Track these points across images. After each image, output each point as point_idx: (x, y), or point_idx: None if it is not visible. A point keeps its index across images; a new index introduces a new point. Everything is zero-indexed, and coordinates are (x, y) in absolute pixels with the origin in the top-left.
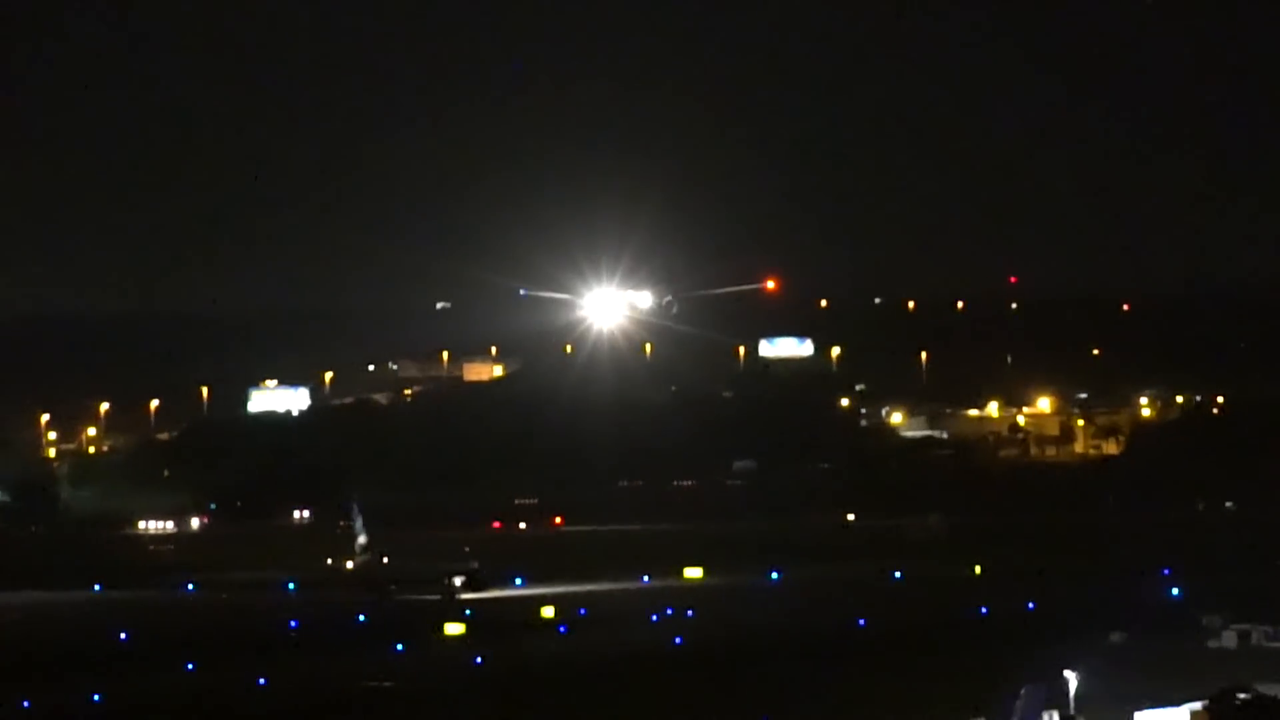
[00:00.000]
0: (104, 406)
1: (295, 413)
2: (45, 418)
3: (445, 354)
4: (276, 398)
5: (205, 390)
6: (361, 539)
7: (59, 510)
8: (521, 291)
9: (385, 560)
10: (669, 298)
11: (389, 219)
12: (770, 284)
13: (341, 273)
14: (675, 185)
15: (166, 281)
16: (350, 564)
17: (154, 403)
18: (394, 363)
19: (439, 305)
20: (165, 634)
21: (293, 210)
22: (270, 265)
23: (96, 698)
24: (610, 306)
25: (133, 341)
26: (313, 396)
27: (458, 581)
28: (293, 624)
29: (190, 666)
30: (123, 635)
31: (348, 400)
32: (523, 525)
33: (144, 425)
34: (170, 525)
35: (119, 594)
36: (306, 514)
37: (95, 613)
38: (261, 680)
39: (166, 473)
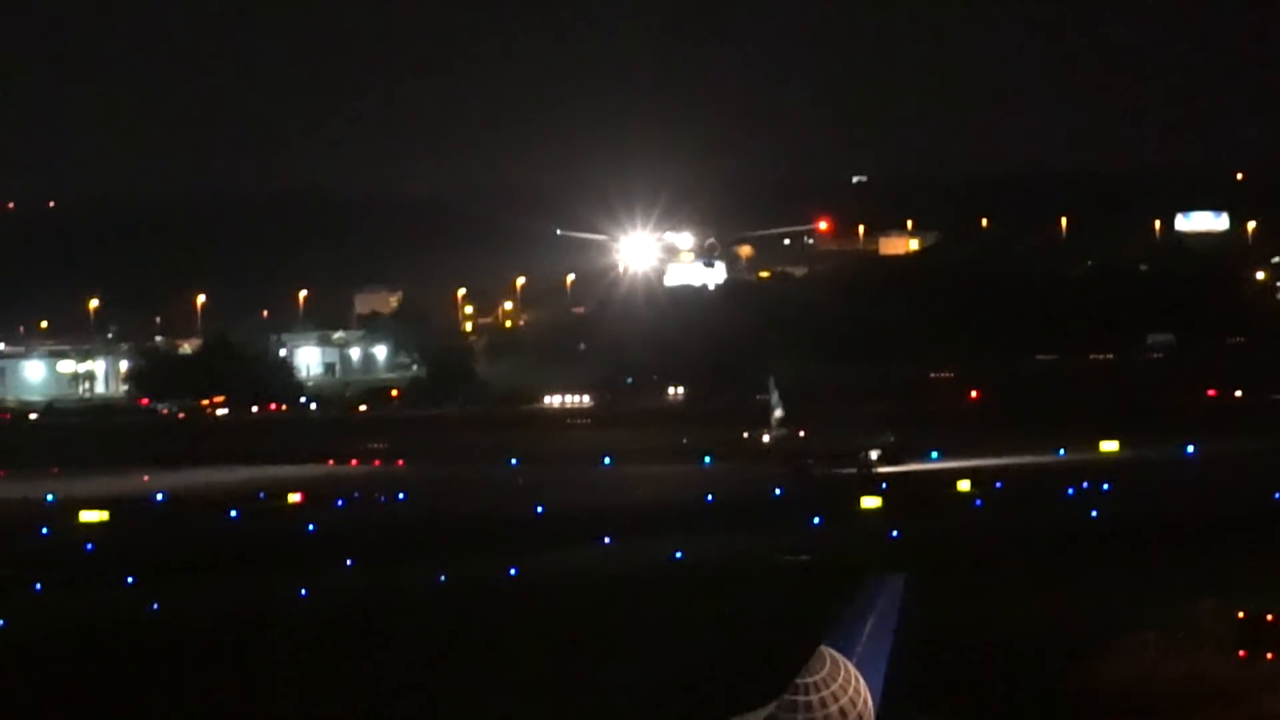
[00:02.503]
0: (520, 281)
1: (711, 286)
2: (462, 292)
3: (861, 227)
4: (692, 271)
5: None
6: (778, 413)
7: (476, 385)
8: (557, 232)
9: (801, 434)
10: (711, 239)
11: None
12: (823, 225)
13: (757, 145)
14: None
15: (582, 154)
16: (767, 438)
17: (569, 277)
18: (809, 236)
19: (855, 179)
20: (580, 508)
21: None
22: (682, 139)
23: (513, 571)
24: (646, 249)
25: (549, 215)
26: (729, 270)
27: (874, 455)
28: (709, 498)
29: (606, 540)
30: (538, 509)
31: (763, 274)
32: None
33: (560, 299)
34: (585, 399)
35: (535, 468)
36: (680, 391)
37: (511, 488)
38: (678, 554)
39: (582, 347)
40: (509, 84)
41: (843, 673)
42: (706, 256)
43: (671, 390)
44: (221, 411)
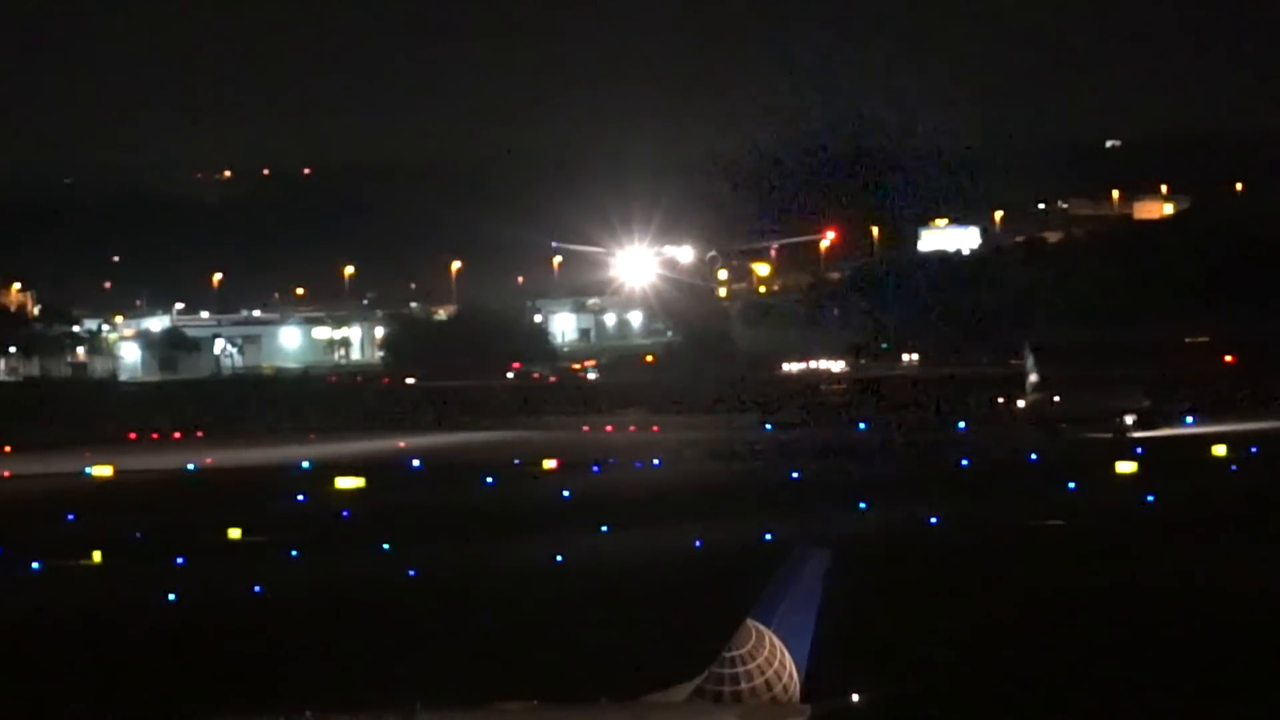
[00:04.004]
0: (775, 245)
1: (966, 251)
2: (714, 254)
3: (1116, 192)
4: (947, 236)
5: (875, 229)
6: (1033, 377)
7: (730, 350)
8: (553, 244)
9: (1056, 399)
10: (713, 253)
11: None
12: (830, 234)
13: (1011, 111)
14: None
15: (835, 118)
16: (1022, 402)
17: (825, 241)
18: (1064, 201)
19: (1109, 143)
20: (834, 473)
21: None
22: (927, 101)
23: (768, 536)
24: (643, 264)
25: (804, 178)
26: (983, 235)
27: (1129, 419)
28: (963, 462)
29: (862, 505)
30: (793, 474)
31: (1018, 239)
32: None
33: (815, 264)
34: (841, 365)
35: (787, 433)
36: (914, 357)
37: (767, 452)
38: (933, 519)
39: (837, 311)
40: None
41: (768, 646)
42: (708, 269)
43: (907, 357)
44: (592, 375)
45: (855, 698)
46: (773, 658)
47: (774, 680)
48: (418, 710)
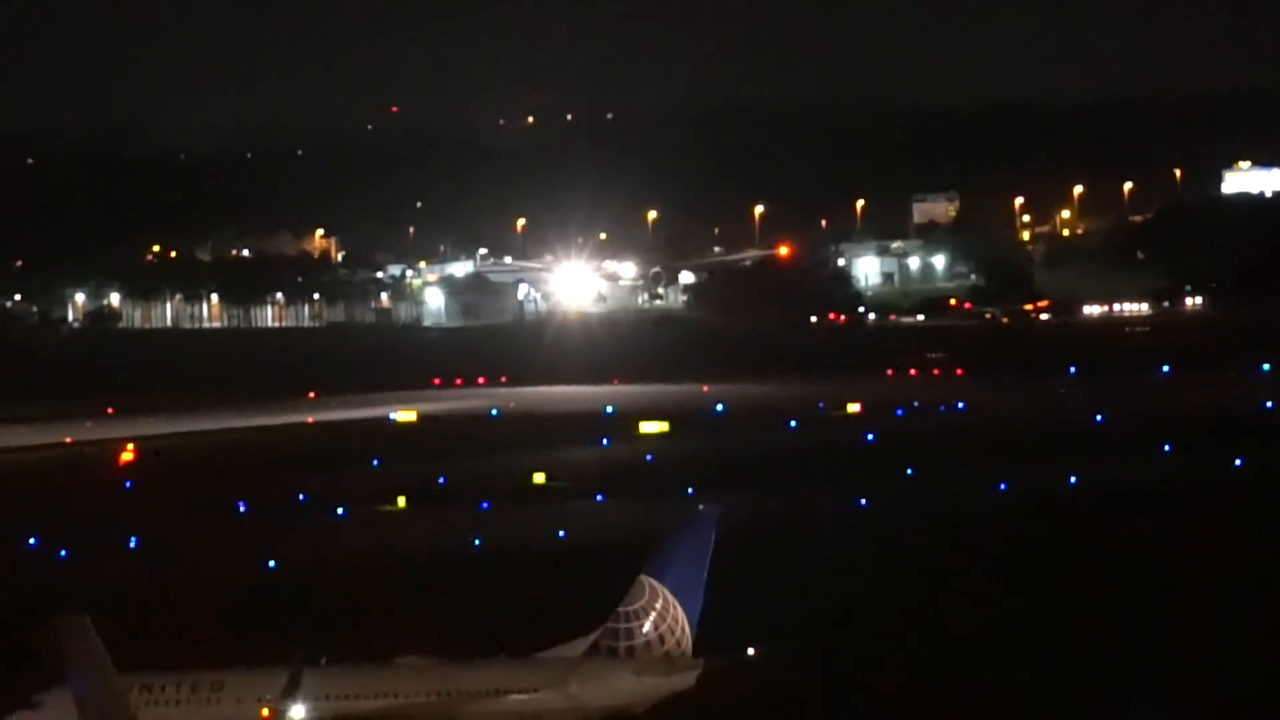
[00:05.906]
0: (1078, 189)
1: (1269, 194)
2: (1019, 200)
3: None
4: (1250, 179)
5: (1178, 172)
6: None
7: (1032, 294)
8: (480, 252)
9: None
10: (657, 269)
11: None
12: (784, 250)
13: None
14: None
15: (1134, 65)
16: None
17: (1127, 185)
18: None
19: None
20: (1139, 417)
21: None
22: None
23: (1073, 480)
24: (581, 280)
25: (1108, 125)
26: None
27: None
28: (1266, 405)
29: (1166, 448)
30: (1097, 417)
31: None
32: None
33: (1118, 207)
34: (1143, 308)
35: (1093, 377)
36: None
37: (1064, 396)
38: (1237, 461)
39: (1140, 254)
40: None
41: (661, 601)
42: (651, 285)
43: (1190, 300)
44: (1044, 316)
45: (750, 651)
46: (665, 612)
47: (667, 635)
48: (319, 665)
